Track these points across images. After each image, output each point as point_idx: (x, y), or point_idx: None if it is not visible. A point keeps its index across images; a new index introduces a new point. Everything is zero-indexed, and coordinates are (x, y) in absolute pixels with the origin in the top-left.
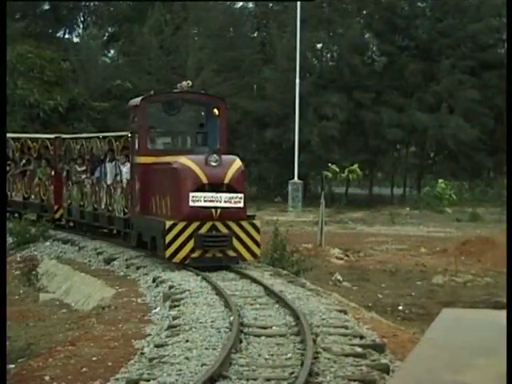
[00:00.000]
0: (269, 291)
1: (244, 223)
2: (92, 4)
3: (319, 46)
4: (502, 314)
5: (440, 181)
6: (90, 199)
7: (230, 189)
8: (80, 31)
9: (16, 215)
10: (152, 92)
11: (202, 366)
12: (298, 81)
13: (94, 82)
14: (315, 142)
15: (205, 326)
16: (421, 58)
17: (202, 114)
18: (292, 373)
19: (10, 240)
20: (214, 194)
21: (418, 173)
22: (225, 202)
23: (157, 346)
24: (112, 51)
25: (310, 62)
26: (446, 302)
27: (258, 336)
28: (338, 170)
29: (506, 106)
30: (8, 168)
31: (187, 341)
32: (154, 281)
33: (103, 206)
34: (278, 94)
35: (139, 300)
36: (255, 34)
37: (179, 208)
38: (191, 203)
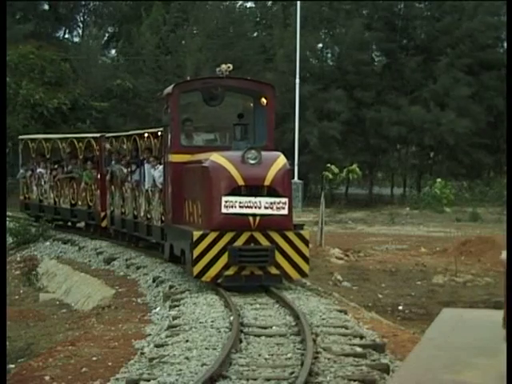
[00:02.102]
0: (269, 291)
1: (289, 234)
2: (92, 4)
3: (319, 46)
4: (502, 314)
5: (438, 180)
6: (130, 205)
7: (271, 192)
8: (80, 31)
9: (69, 224)
10: (188, 78)
11: (202, 365)
12: (297, 81)
13: (94, 82)
14: (315, 142)
15: (205, 325)
16: (420, 57)
17: (247, 103)
18: (292, 373)
19: (10, 240)
20: (251, 199)
21: (418, 173)
22: (265, 207)
23: (157, 346)
24: (112, 51)
25: (311, 62)
26: (446, 301)
27: (258, 336)
28: (336, 171)
29: (506, 105)
30: (55, 172)
31: (187, 341)
32: (154, 281)
33: (142, 214)
34: (278, 94)
35: (139, 300)
36: (255, 34)
37: (210, 215)
38: (224, 209)
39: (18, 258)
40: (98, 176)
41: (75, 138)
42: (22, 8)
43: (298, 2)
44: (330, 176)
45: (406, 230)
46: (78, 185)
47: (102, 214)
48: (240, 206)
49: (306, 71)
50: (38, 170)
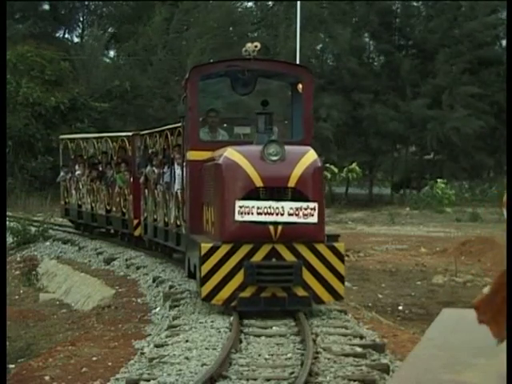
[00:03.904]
0: None
1: (320, 247)
2: (92, 4)
3: (319, 46)
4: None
5: (439, 180)
6: (161, 211)
7: (297, 195)
8: (80, 31)
9: (111, 231)
10: (211, 60)
11: (202, 365)
12: None
13: (94, 82)
14: (314, 143)
15: (205, 326)
16: (418, 56)
17: (281, 90)
18: (292, 373)
19: (10, 240)
20: (272, 204)
21: (418, 173)
22: (289, 214)
23: (157, 346)
24: (112, 51)
25: (311, 62)
26: (446, 301)
27: (258, 336)
28: (336, 170)
29: (506, 105)
30: (91, 175)
31: (187, 341)
32: (154, 281)
33: (172, 220)
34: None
35: (139, 300)
36: (256, 35)
37: (222, 224)
38: (238, 217)
39: (18, 258)
40: (131, 179)
41: (109, 137)
42: (22, 8)
43: (298, 2)
44: (329, 176)
45: (405, 230)
46: (113, 189)
47: (135, 221)
48: (258, 213)
49: None
50: (77, 172)
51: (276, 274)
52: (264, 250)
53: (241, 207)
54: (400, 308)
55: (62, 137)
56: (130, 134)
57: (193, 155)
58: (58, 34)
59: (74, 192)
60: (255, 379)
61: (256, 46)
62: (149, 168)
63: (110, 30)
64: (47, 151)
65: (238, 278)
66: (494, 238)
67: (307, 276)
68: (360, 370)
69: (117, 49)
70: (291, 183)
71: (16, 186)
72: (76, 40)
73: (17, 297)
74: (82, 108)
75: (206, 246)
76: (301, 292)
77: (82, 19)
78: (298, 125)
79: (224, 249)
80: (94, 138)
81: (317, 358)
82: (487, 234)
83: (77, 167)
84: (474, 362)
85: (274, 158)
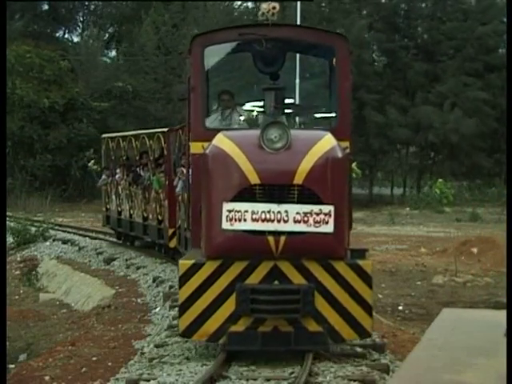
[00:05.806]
0: None
1: (338, 265)
2: (92, 4)
3: None
4: (502, 314)
5: (439, 180)
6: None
7: (306, 195)
8: (80, 31)
9: (139, 243)
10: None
11: (201, 366)
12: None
13: (94, 82)
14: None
15: None
16: (423, 58)
17: (314, 64)
18: (292, 373)
19: (10, 240)
20: (272, 207)
21: (418, 173)
22: (296, 221)
23: (157, 346)
24: (112, 51)
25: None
26: (446, 301)
27: None
28: None
29: (506, 106)
30: (129, 178)
31: (187, 341)
32: (154, 281)
33: None
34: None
35: (139, 300)
36: None
37: (208, 234)
38: (225, 224)
39: (18, 258)
40: (167, 182)
41: (146, 134)
42: (21, 8)
43: (298, 2)
44: None
45: (405, 230)
46: (150, 193)
47: (171, 230)
48: (253, 219)
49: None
50: (117, 175)
51: (279, 301)
52: (263, 268)
53: (230, 211)
54: (400, 308)
55: (104, 136)
56: (164, 130)
57: (196, 147)
58: (57, 34)
59: (114, 197)
60: (255, 379)
61: (274, 8)
62: (180, 168)
63: (110, 30)
64: (48, 151)
65: (228, 307)
66: (494, 238)
67: (321, 304)
68: (360, 370)
69: (117, 49)
70: (298, 179)
71: (16, 186)
72: (76, 40)
73: (17, 297)
74: (82, 108)
75: (184, 264)
76: (312, 326)
77: (81, 19)
78: (328, 106)
79: (209, 267)
80: (132, 135)
81: (317, 358)
82: (487, 234)
83: (118, 170)
84: (474, 362)
85: (276, 146)
